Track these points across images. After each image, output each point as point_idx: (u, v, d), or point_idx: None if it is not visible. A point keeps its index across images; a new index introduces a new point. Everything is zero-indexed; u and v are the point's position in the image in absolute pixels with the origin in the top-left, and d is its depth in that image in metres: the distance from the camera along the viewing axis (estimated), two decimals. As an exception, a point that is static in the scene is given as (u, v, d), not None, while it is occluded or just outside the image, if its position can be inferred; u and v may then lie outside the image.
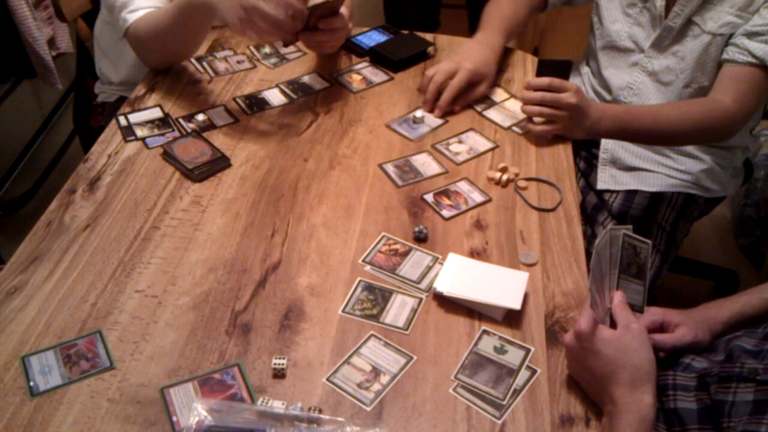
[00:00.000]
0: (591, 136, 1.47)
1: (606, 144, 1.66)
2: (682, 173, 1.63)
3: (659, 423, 0.94)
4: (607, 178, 1.66)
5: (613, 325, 0.95)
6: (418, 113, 1.46)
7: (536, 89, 1.39)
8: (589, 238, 1.59)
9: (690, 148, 1.62)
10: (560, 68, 1.36)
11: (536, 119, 1.42)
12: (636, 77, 1.60)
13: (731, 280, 2.29)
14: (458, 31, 1.90)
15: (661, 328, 1.05)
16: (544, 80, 1.38)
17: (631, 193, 1.64)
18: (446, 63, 1.49)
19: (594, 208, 1.69)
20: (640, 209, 1.62)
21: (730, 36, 1.45)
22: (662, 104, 1.54)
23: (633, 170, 1.65)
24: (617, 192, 1.66)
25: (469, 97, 1.50)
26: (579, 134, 1.43)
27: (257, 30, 1.26)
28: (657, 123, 1.45)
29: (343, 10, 1.46)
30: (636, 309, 0.98)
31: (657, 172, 1.63)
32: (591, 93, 1.72)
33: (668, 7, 1.51)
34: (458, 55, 1.51)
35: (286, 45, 1.52)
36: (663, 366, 1.00)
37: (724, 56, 1.46)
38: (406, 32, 1.73)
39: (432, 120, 1.47)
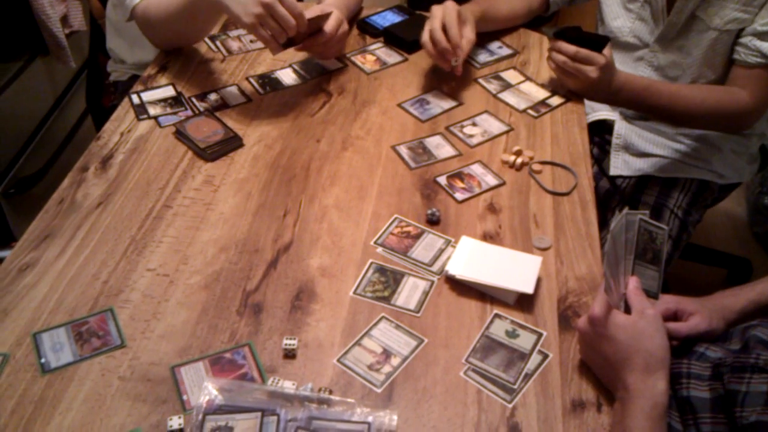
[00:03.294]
0: (608, 103, 1.54)
1: (619, 130, 1.64)
2: (696, 159, 1.61)
3: (672, 410, 0.93)
4: (620, 164, 1.65)
5: (627, 310, 0.94)
6: (453, 62, 1.43)
7: (561, 53, 1.38)
8: (601, 225, 1.58)
9: (705, 135, 1.61)
10: (595, 42, 1.35)
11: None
12: (642, 72, 1.59)
13: (744, 268, 2.27)
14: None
15: (674, 316, 1.04)
16: (570, 49, 1.36)
17: (644, 179, 1.63)
18: (429, 21, 1.43)
19: (606, 193, 1.68)
20: (652, 195, 1.61)
21: (738, 32, 1.43)
22: (682, 85, 1.52)
23: (646, 156, 1.63)
24: (630, 178, 1.65)
25: (464, 45, 1.42)
26: (596, 100, 1.49)
27: (268, 27, 1.27)
28: (673, 103, 1.46)
29: (330, 24, 1.43)
30: (651, 295, 0.97)
31: (670, 157, 1.62)
32: None
33: (669, 1, 1.49)
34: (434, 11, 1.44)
35: (274, 53, 1.43)
36: (676, 354, 0.99)
37: (735, 56, 1.46)
38: (420, 13, 1.71)
39: (445, 102, 1.45)
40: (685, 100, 1.45)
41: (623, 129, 1.64)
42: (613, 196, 1.66)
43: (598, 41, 1.36)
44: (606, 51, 1.36)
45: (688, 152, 1.61)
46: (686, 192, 1.61)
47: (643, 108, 1.52)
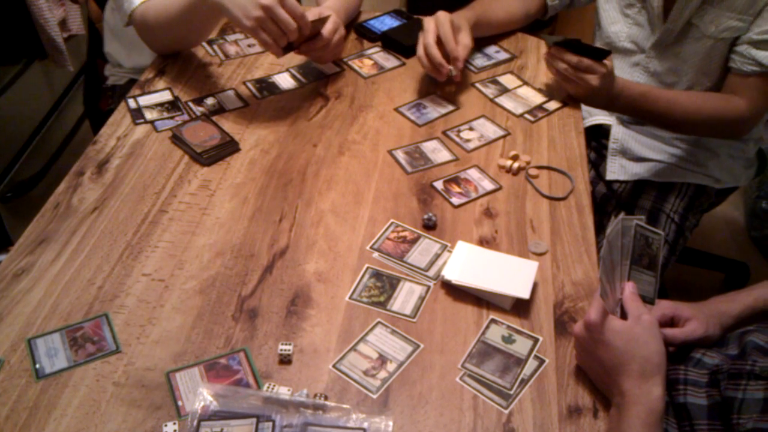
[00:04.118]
0: (606, 109, 1.56)
1: (616, 134, 1.65)
2: (693, 164, 1.62)
3: (669, 417, 0.93)
4: (616, 168, 1.65)
5: (623, 316, 0.93)
6: (451, 71, 1.44)
7: (563, 61, 1.38)
8: (598, 229, 1.58)
9: (701, 139, 1.61)
10: (597, 54, 1.34)
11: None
12: (638, 77, 1.59)
13: (742, 272, 2.27)
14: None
15: (671, 322, 1.03)
16: (573, 59, 1.36)
17: (640, 184, 1.63)
18: (423, 35, 1.43)
19: (603, 198, 1.68)
20: (649, 199, 1.61)
21: (734, 40, 1.43)
22: (680, 92, 1.52)
23: (643, 160, 1.63)
24: (626, 182, 1.65)
25: (461, 53, 1.42)
26: (594, 105, 1.51)
27: (267, 31, 1.27)
28: (670, 109, 1.46)
29: (328, 28, 1.42)
30: (647, 301, 0.97)
31: (667, 162, 1.62)
32: None
33: (666, 7, 1.49)
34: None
35: (278, 56, 1.36)
36: (673, 360, 0.99)
37: (731, 64, 1.46)
38: (418, 17, 1.71)
39: (441, 106, 1.45)
40: (682, 107, 1.46)
41: (620, 133, 1.64)
42: (609, 200, 1.66)
43: (600, 53, 1.35)
44: (607, 62, 1.36)
45: (684, 157, 1.61)
46: (683, 196, 1.61)
47: (641, 114, 1.52)
